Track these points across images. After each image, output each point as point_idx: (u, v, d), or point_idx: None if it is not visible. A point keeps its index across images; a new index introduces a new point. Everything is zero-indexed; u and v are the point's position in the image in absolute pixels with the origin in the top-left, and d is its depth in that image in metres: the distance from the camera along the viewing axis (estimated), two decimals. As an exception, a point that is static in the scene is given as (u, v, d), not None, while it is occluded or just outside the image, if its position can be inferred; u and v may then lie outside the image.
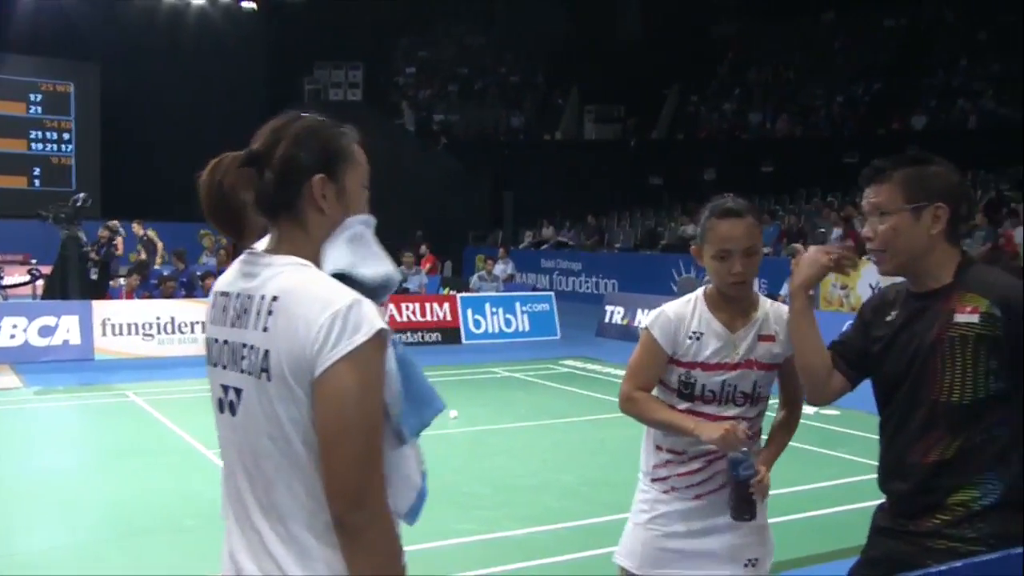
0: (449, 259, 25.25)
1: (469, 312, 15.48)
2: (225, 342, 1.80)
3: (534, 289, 20.02)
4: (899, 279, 2.53)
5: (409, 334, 14.83)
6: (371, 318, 1.71)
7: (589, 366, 12.82)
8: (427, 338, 15.00)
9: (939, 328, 2.33)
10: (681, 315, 2.80)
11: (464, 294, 16.23)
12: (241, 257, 1.86)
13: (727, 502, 2.71)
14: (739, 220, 2.72)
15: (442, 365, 12.90)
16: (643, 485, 2.89)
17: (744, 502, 2.66)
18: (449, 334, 15.20)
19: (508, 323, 15.72)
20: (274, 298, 1.73)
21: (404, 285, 16.46)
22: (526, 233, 27.15)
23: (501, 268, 18.89)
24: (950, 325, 2.32)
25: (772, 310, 2.83)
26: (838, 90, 29.40)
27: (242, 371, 1.75)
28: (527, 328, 15.76)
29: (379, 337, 1.70)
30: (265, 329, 1.72)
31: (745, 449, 2.64)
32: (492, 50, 35.76)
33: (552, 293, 17.48)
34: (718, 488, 2.76)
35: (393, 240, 17.54)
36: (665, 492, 2.81)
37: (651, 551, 2.82)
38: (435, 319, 15.20)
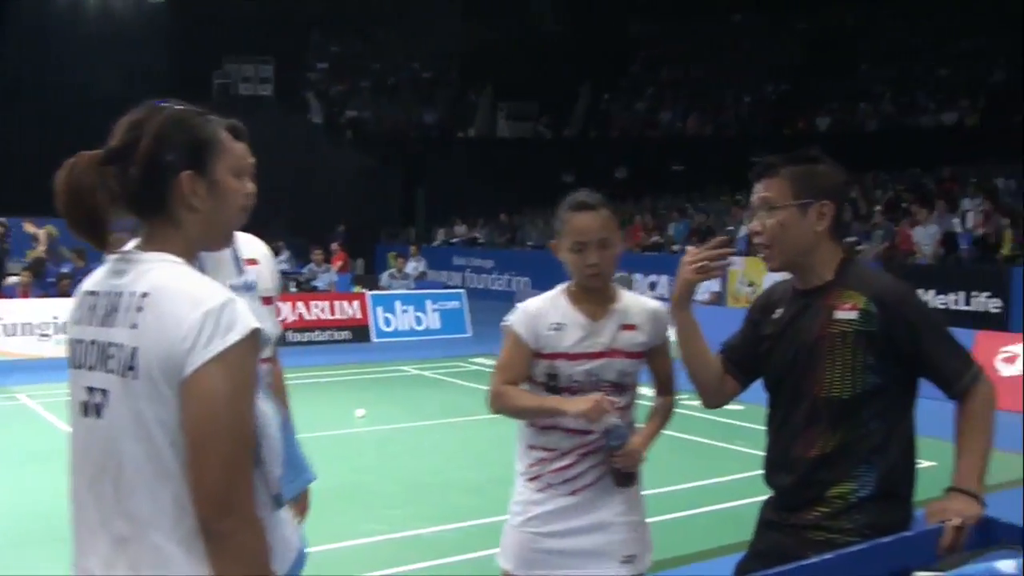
0: (361, 257, 25.03)
1: (379, 310, 15.36)
2: (92, 342, 1.73)
3: (445, 287, 19.97)
4: (786, 277, 2.58)
5: (318, 332, 14.65)
6: (245, 317, 1.66)
7: (500, 363, 12.79)
8: (336, 336, 14.83)
9: (821, 325, 2.39)
10: (541, 309, 2.84)
11: (374, 292, 16.10)
12: (111, 257, 1.79)
13: (609, 475, 2.75)
14: (593, 213, 2.77)
15: (351, 364, 12.79)
16: (519, 486, 2.89)
17: (620, 472, 2.71)
18: (359, 332, 15.06)
19: (418, 321, 15.65)
20: (144, 294, 1.67)
21: (313, 283, 16.27)
22: (438, 230, 27.07)
23: (413, 266, 18.79)
24: (831, 322, 2.37)
25: (632, 301, 2.88)
26: (746, 90, 30.03)
27: (109, 371, 1.68)
28: (437, 326, 15.71)
29: (253, 337, 1.66)
30: (134, 326, 1.65)
31: (616, 421, 2.67)
32: (405, 46, 35.54)
33: (463, 291, 17.44)
34: (593, 482, 2.78)
35: (308, 236, 17.34)
36: (540, 491, 2.81)
37: (527, 553, 2.82)
38: (344, 317, 15.04)
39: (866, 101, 26.83)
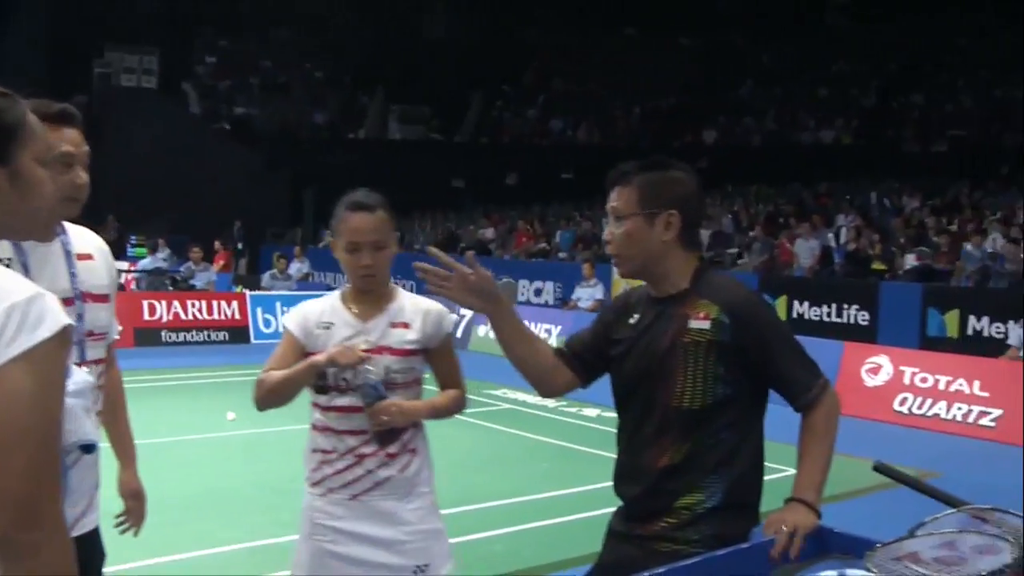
0: (245, 256, 24.48)
1: (259, 311, 14.99)
2: None
3: (329, 289, 19.63)
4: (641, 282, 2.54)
5: (195, 332, 14.22)
6: (55, 312, 1.51)
7: (379, 367, 12.63)
8: (213, 337, 14.42)
9: (674, 333, 2.35)
10: (314, 309, 2.83)
11: (255, 292, 15.72)
12: None
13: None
14: (369, 214, 2.73)
15: (228, 365, 12.42)
16: (305, 492, 2.81)
17: (375, 432, 2.66)
18: (237, 333, 14.66)
19: (299, 323, 15.33)
20: None
21: (191, 282, 15.79)
22: (325, 232, 26.64)
23: (296, 267, 18.45)
24: (685, 331, 2.33)
25: (408, 301, 2.84)
26: (637, 102, 30.52)
27: None
28: (319, 328, 15.41)
29: (64, 334, 1.51)
30: None
31: (372, 379, 2.62)
32: (298, 44, 34.98)
33: (347, 293, 17.17)
34: (374, 487, 2.70)
35: (192, 233, 16.75)
36: (322, 496, 2.73)
37: (318, 561, 2.74)
38: (223, 318, 14.63)
39: (751, 117, 27.58)
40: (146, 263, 17.65)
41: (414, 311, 2.80)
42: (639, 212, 2.37)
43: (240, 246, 24.50)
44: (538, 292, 17.95)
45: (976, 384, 9.48)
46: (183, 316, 14.21)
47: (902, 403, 9.83)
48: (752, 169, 23.54)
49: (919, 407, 9.72)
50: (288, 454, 7.67)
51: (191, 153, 26.23)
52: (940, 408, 9.59)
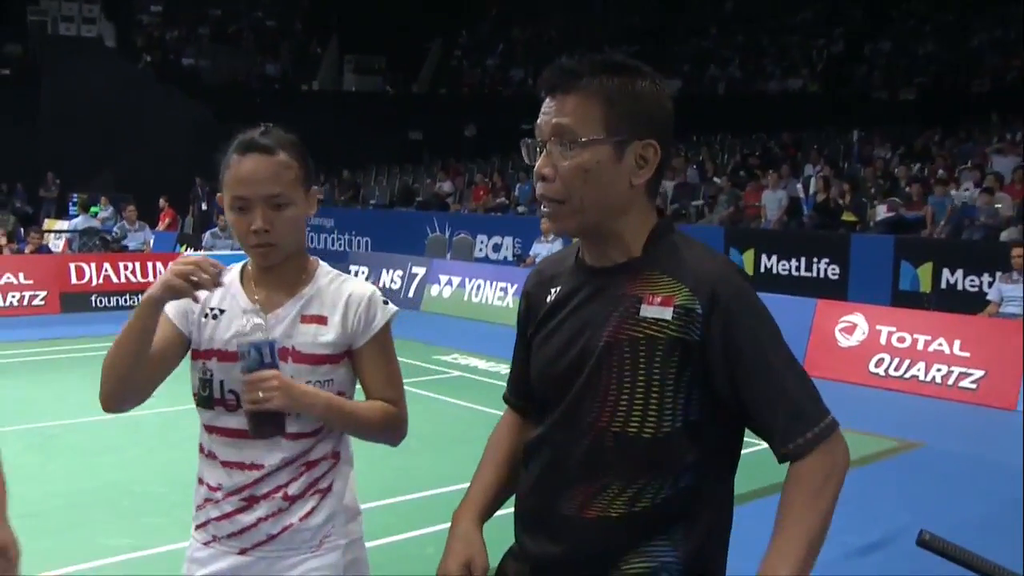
0: (211, 216, 23.46)
1: (199, 272, 14.11)
2: None
3: (279, 247, 18.78)
4: (557, 247, 1.78)
5: (128, 296, 13.35)
6: None
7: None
8: (148, 301, 13.56)
9: (618, 323, 1.56)
10: None
11: (195, 252, 14.82)
12: None
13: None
14: (264, 157, 1.93)
15: (162, 332, 11.61)
16: (191, 535, 2.05)
17: (250, 413, 1.85)
18: (175, 296, 13.80)
19: (242, 284, 14.50)
20: None
21: (124, 243, 14.88)
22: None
23: (243, 224, 17.52)
24: (634, 320, 1.56)
25: (331, 283, 2.01)
26: (598, 51, 29.47)
27: None
28: (263, 289, 14.60)
29: None
30: None
31: (261, 335, 1.86)
32: (247, -9, 33.69)
33: (297, 251, 16.33)
34: (267, 540, 1.94)
35: (137, 191, 15.72)
36: (206, 544, 1.98)
37: None
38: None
39: (715, 65, 26.84)
40: (77, 222, 16.68)
41: (335, 298, 1.98)
42: (604, 138, 1.56)
43: (205, 206, 23.47)
44: (496, 248, 17.21)
45: (956, 344, 8.89)
46: (115, 279, 13.36)
47: (878, 364, 9.23)
48: (717, 118, 22.85)
49: (896, 369, 9.12)
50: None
51: (137, 106, 25.10)
52: (919, 370, 9.00)
